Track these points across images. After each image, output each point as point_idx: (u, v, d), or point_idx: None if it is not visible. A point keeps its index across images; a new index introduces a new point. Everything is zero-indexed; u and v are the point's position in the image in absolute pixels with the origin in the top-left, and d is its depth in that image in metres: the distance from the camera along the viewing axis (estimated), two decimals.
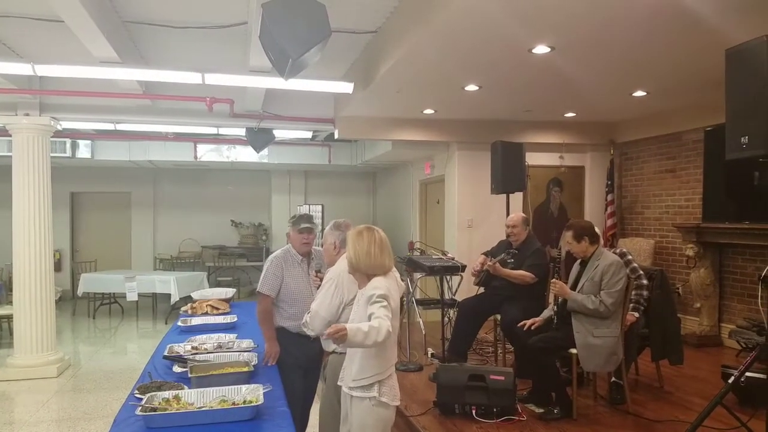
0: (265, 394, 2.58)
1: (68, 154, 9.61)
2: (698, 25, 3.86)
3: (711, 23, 3.80)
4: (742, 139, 3.17)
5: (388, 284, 2.59)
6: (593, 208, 8.00)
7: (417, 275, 5.97)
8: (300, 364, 3.59)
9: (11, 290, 7.04)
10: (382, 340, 2.36)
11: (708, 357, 5.77)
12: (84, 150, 9.89)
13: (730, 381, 3.55)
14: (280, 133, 8.08)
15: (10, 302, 7.34)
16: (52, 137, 6.66)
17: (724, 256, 6.40)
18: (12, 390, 5.93)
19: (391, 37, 4.79)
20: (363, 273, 2.62)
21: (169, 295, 9.35)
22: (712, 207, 6.32)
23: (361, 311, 2.59)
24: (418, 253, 6.50)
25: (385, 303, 2.47)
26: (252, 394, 2.58)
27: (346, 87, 5.65)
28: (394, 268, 2.95)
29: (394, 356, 2.69)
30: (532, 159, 7.15)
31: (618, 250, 4.51)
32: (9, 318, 7.50)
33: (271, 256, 3.73)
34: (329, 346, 3.07)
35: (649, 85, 5.75)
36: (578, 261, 4.25)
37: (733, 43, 3.21)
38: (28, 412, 5.30)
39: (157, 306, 10.48)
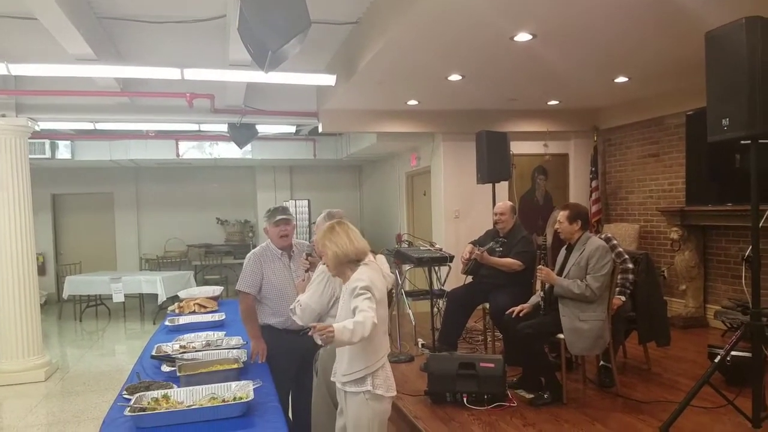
0: (255, 390, 2.56)
1: (48, 155, 9.46)
2: (678, 9, 3.87)
3: (691, 7, 3.83)
4: (723, 121, 3.21)
5: (371, 275, 2.57)
6: (578, 195, 8.03)
7: (405, 267, 5.97)
8: (291, 362, 3.55)
9: None
10: (368, 334, 2.34)
11: (694, 338, 5.84)
12: (64, 151, 9.75)
13: (716, 360, 3.61)
14: (263, 128, 8.02)
15: None
16: (30, 138, 6.54)
17: (707, 238, 6.46)
18: None
19: (371, 27, 4.76)
20: (351, 262, 2.59)
21: (156, 295, 9.27)
22: (695, 190, 6.37)
23: (346, 306, 2.57)
24: (406, 245, 6.49)
25: (368, 294, 2.45)
26: (242, 390, 2.55)
27: (329, 79, 5.61)
28: (383, 259, 2.95)
29: (385, 346, 2.67)
30: (517, 148, 7.16)
31: (603, 236, 4.54)
32: None
33: (249, 254, 3.68)
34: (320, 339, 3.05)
35: (631, 71, 5.77)
36: (564, 246, 4.28)
37: (712, 27, 3.23)
38: (16, 417, 5.24)
39: (144, 306, 10.40)
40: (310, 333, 2.33)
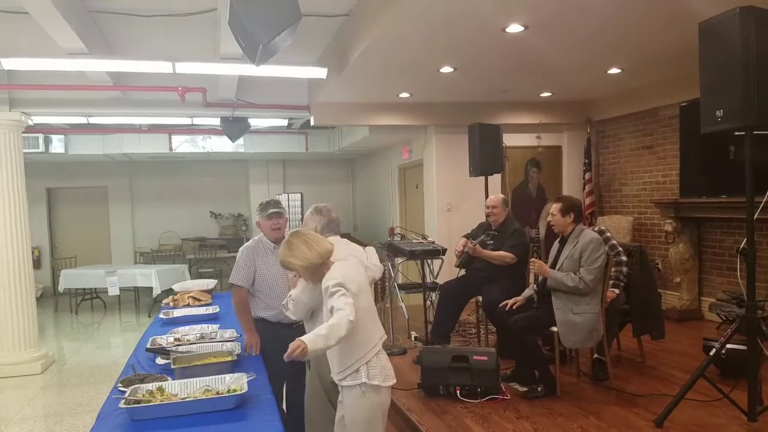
0: (249, 382, 2.56)
1: (41, 149, 9.46)
2: None
3: None
4: (717, 112, 3.19)
5: (342, 269, 2.56)
6: (571, 187, 8.04)
7: (398, 260, 5.98)
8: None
9: None
10: (346, 332, 2.33)
11: (689, 331, 5.86)
12: (57, 145, 9.73)
13: (711, 353, 3.61)
14: (255, 122, 8.00)
15: None
16: (23, 133, 6.52)
17: (702, 231, 6.47)
18: None
19: (363, 20, 4.74)
20: (321, 265, 2.57)
21: (151, 288, 9.27)
22: (689, 182, 6.38)
23: (326, 306, 2.57)
24: (399, 238, 6.51)
25: (341, 291, 2.44)
26: (236, 383, 2.55)
27: (320, 72, 5.58)
28: (372, 250, 2.94)
29: (375, 335, 2.63)
30: (510, 140, 7.15)
31: (597, 228, 4.54)
32: None
33: (242, 247, 3.68)
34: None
35: (624, 62, 5.76)
36: (558, 239, 4.28)
37: (706, 17, 3.22)
38: (13, 409, 5.24)
39: (139, 300, 10.38)
40: (286, 358, 2.30)
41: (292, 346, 2.28)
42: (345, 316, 2.34)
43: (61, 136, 9.66)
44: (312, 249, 2.56)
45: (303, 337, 2.32)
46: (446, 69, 5.64)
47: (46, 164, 10.99)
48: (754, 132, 3.22)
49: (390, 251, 5.64)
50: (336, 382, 2.64)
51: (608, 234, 4.54)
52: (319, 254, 2.57)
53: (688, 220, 6.41)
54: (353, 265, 2.65)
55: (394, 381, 2.67)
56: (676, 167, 6.64)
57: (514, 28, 4.37)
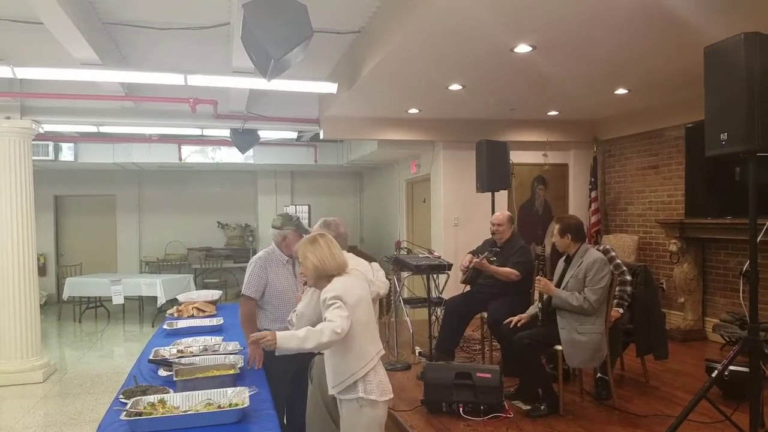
0: (251, 396, 2.57)
1: (51, 157, 9.52)
2: (679, 24, 3.90)
3: (691, 21, 3.85)
4: (722, 135, 3.21)
5: (343, 283, 2.59)
6: (577, 205, 8.05)
7: (404, 274, 5.98)
8: (288, 368, 3.56)
9: None
10: (328, 340, 2.38)
11: (692, 351, 5.83)
12: (67, 153, 9.80)
13: (713, 375, 3.59)
14: (265, 134, 8.06)
15: None
16: (34, 140, 6.58)
17: (706, 251, 6.46)
18: None
19: (373, 37, 4.79)
20: (329, 276, 2.62)
21: (156, 297, 9.29)
22: (694, 202, 6.37)
23: (312, 310, 2.68)
24: (405, 252, 6.50)
25: (338, 303, 2.48)
26: (238, 396, 2.56)
27: (330, 87, 5.63)
28: (377, 266, 2.97)
29: (372, 349, 2.64)
30: (517, 157, 7.18)
31: (601, 247, 4.55)
32: None
33: (254, 258, 3.71)
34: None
35: (631, 83, 5.80)
36: (563, 258, 4.29)
37: (711, 41, 3.25)
38: (13, 418, 5.24)
39: (143, 309, 10.40)
40: (249, 342, 2.40)
41: (261, 333, 2.38)
42: (330, 326, 2.40)
43: (71, 144, 9.74)
44: (333, 257, 2.64)
45: (278, 333, 2.39)
46: (455, 87, 5.69)
47: (55, 172, 11.07)
48: (758, 154, 3.24)
49: (396, 265, 5.65)
50: (335, 396, 2.65)
51: (613, 253, 4.54)
52: (336, 265, 2.63)
53: (693, 241, 6.40)
54: (355, 278, 2.68)
55: (392, 395, 2.68)
56: (682, 187, 6.65)
57: (523, 48, 4.42)
